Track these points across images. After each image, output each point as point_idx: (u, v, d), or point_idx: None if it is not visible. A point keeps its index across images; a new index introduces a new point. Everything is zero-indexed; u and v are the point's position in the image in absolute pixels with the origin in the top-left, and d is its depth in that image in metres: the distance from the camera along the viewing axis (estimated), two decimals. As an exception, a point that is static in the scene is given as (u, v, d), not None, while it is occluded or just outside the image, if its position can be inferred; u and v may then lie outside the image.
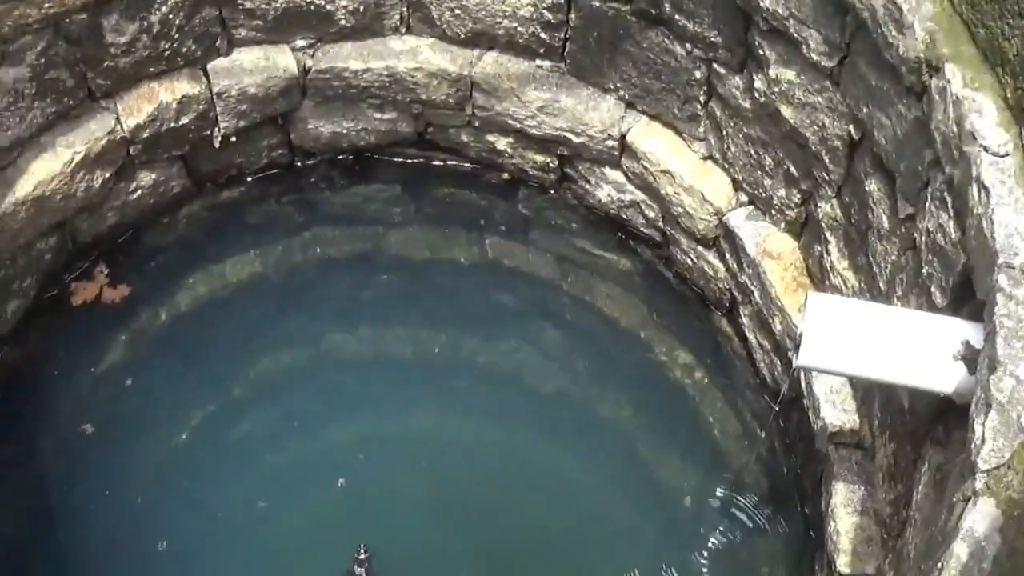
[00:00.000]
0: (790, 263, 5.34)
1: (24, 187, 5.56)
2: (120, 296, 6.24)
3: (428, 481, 5.88)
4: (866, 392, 4.79)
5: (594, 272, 6.66)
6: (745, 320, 5.74)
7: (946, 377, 3.58)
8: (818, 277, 5.17)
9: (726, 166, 5.58)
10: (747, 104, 5.16)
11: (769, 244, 5.39)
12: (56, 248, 6.02)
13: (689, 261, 6.02)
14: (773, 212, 5.36)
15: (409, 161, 6.92)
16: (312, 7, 5.99)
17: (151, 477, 5.77)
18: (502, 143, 6.43)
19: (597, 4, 5.57)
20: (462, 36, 6.11)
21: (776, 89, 4.83)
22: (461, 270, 6.78)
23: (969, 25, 3.75)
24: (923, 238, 3.93)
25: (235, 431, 6.04)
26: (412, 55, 6.23)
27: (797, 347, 3.79)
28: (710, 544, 5.64)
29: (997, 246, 3.30)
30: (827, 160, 4.74)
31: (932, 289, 3.88)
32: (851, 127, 4.49)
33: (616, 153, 6.03)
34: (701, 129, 5.62)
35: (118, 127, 5.87)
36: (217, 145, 6.31)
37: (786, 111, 4.84)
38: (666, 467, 5.95)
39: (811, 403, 5.12)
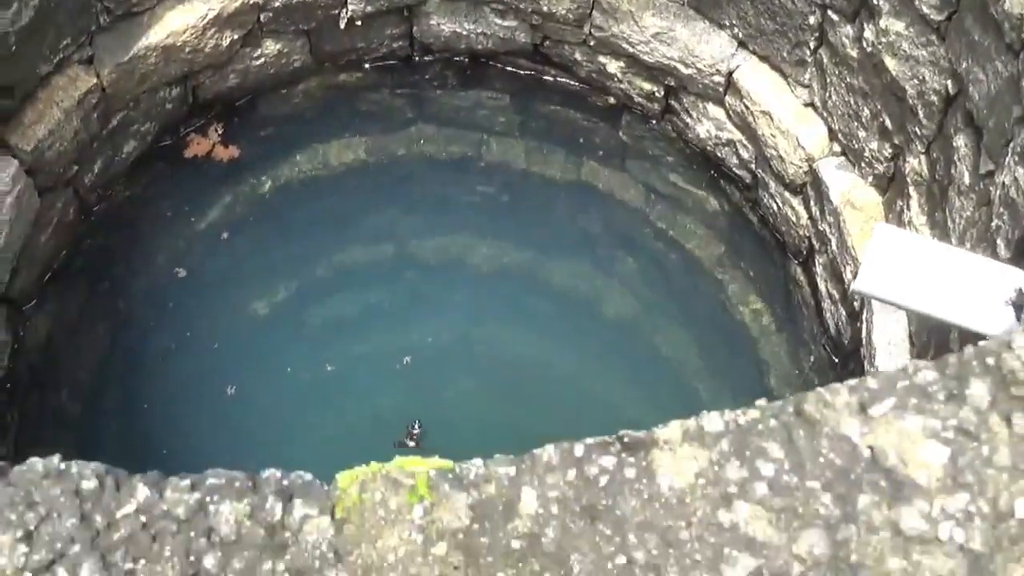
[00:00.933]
0: (871, 216, 5.45)
1: (158, 34, 5.87)
2: (230, 156, 6.55)
3: (485, 377, 6.16)
4: (922, 347, 4.91)
5: (681, 207, 6.80)
6: (819, 269, 5.87)
7: (994, 321, 3.70)
8: (895, 232, 5.28)
9: (825, 115, 5.70)
10: (854, 53, 5.27)
11: (854, 195, 5.50)
12: (178, 99, 6.33)
13: (775, 206, 6.15)
14: (863, 165, 5.48)
15: (521, 72, 7.11)
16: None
17: (231, 327, 6.10)
18: (613, 66, 6.60)
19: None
20: (590, -46, 6.28)
21: (884, 40, 4.94)
22: (553, 187, 6.96)
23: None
24: (998, 192, 4.05)
25: (314, 301, 6.34)
26: (540, -34, 6.41)
27: (857, 272, 3.95)
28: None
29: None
30: (921, 115, 4.85)
31: (998, 241, 4.00)
32: (949, 82, 4.60)
33: (721, 90, 6.18)
34: (807, 75, 5.74)
35: (253, -8, 6.13)
36: (343, 26, 6.54)
37: (890, 62, 4.95)
38: (717, 404, 6.07)
39: (868, 352, 5.24)
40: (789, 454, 1.98)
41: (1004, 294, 3.70)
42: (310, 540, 1.88)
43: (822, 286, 5.87)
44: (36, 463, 1.93)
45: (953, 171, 4.57)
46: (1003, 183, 4.01)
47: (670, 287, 6.57)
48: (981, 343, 2.14)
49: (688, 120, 6.54)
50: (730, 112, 6.22)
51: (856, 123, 5.44)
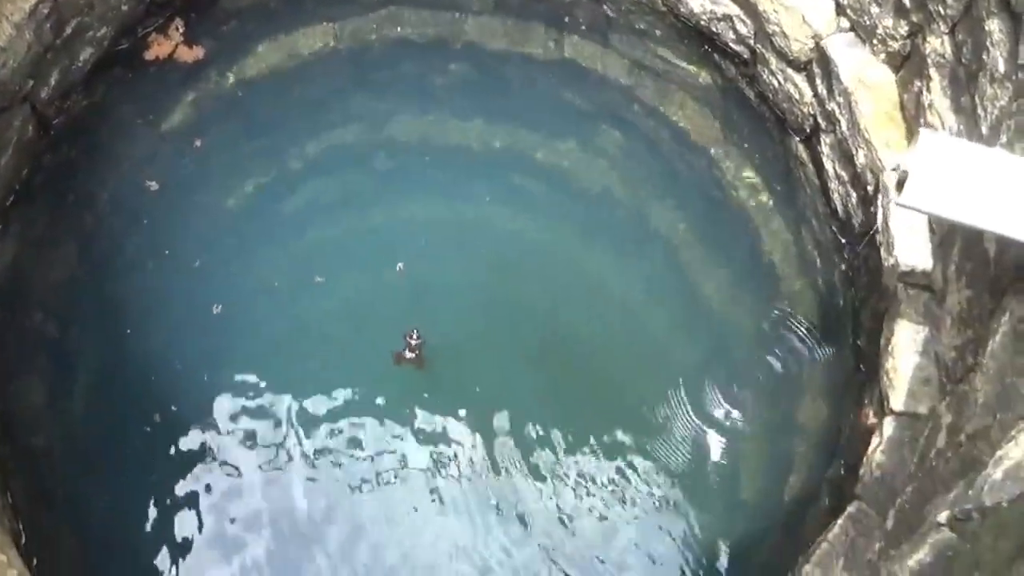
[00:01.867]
0: (884, 96, 5.21)
1: (105, -71, 5.40)
2: (194, 57, 6.17)
3: (479, 272, 5.96)
4: (945, 235, 4.73)
5: (671, 82, 6.52)
6: (825, 148, 5.64)
7: (1052, 231, 3.51)
8: (912, 113, 5.05)
9: (832, -11, 5.40)
10: (867, -77, 4.95)
11: (865, 74, 5.25)
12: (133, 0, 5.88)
13: (775, 83, 5.87)
14: (875, 42, 5.20)
15: (495, -53, 6.70)
16: None
17: (212, 242, 5.81)
18: (600, -63, 6.20)
19: None
20: None
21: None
22: (535, 65, 6.65)
23: None
24: (1043, 86, 3.81)
25: (296, 205, 6.07)
26: None
27: (900, 184, 3.72)
28: (753, 363, 5.68)
29: None
30: (947, -8, 4.57)
31: (1044, 140, 3.78)
32: (982, -40, 4.31)
33: (714, -38, 5.83)
34: (811, -55, 5.41)
35: None
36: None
37: (911, -66, 4.64)
38: (715, 283, 5.98)
39: (885, 239, 5.06)
40: None
41: (1062, 202, 3.50)
42: None
43: (829, 166, 5.65)
44: None
45: (985, 57, 4.31)
46: (1049, 76, 3.76)
47: (660, 163, 6.35)
48: None
49: (679, -7, 6.18)
50: (726, -15, 5.88)
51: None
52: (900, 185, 3.71)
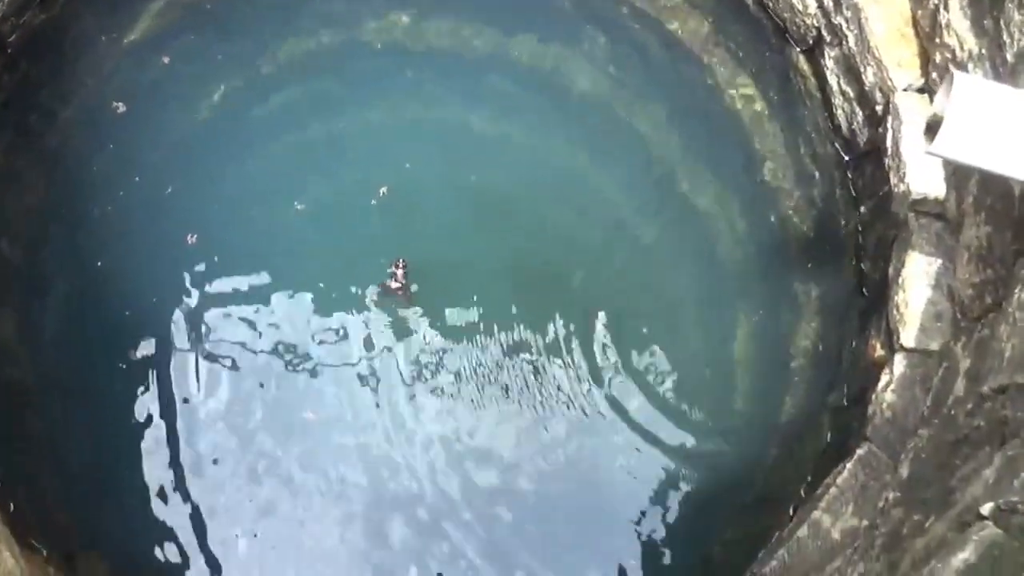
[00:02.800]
0: (896, 11, 4.93)
1: None
2: (158, -37, 5.75)
3: (464, 186, 5.73)
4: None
5: (656, -17, 6.19)
6: (829, 63, 5.37)
7: (1094, 183, 3.29)
8: (926, 32, 4.78)
9: None
10: None
11: (876, -14, 4.95)
12: (89, -97, 5.48)
13: (776, -11, 5.56)
14: (887, -47, 4.90)
15: None
16: None
17: (184, 167, 5.53)
18: None
19: None
20: None
21: None
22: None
23: None
24: (1084, 20, 3.54)
25: (272, 121, 5.80)
26: None
27: (930, 129, 3.48)
28: (746, 278, 5.51)
29: None
30: (971, -95, 4.26)
31: (1082, 78, 3.52)
32: None
33: None
34: None
35: None
36: None
37: None
38: (707, 193, 5.79)
39: (895, 163, 4.84)
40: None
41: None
42: None
43: (832, 81, 5.39)
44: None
45: (1012, -21, 4.02)
46: (1092, 11, 3.49)
47: (647, 68, 6.08)
48: None
49: None
50: None
51: (881, -95, 4.81)
52: (930, 130, 3.47)
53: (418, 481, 5.05)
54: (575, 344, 5.33)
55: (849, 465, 4.41)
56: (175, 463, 5.03)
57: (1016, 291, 3.73)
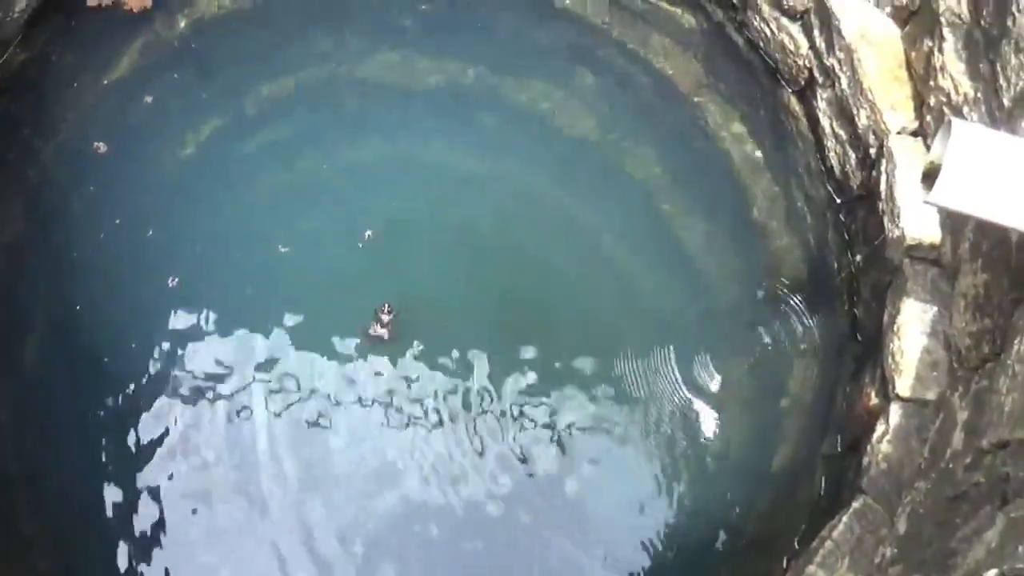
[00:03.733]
0: (889, 53, 4.86)
1: None
2: (141, 6, 5.67)
3: (452, 226, 5.64)
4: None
5: (652, 23, 6.14)
6: (821, 104, 5.29)
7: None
8: (920, 75, 4.70)
9: (833, -66, 4.99)
10: None
11: (869, 28, 4.90)
12: (69, -57, 5.41)
13: (767, 31, 5.49)
14: (880, -7, 4.83)
15: None
16: None
17: (165, 208, 5.43)
18: None
19: None
20: None
21: None
22: (509, 4, 6.23)
23: None
24: (1084, 66, 3.46)
25: (255, 163, 5.71)
26: None
27: (927, 178, 3.39)
28: (738, 322, 5.42)
29: None
30: (965, -52, 4.19)
31: (1082, 126, 3.44)
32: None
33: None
34: None
35: None
36: None
37: None
38: (698, 236, 5.68)
39: (889, 207, 4.76)
40: None
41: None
42: None
43: (825, 123, 5.31)
44: None
45: (1010, 23, 3.95)
46: (1092, 57, 3.41)
47: (638, 108, 6.00)
48: None
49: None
50: (716, -73, 5.45)
51: (873, -54, 4.75)
52: (927, 178, 3.38)
53: (403, 529, 4.93)
54: (563, 387, 5.21)
55: (845, 518, 4.30)
56: (153, 510, 4.88)
57: (1016, 342, 3.64)
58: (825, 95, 5.24)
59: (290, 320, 5.23)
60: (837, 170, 5.27)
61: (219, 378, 5.11)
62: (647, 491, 5.10)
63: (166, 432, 5.01)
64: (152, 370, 5.12)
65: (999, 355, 3.78)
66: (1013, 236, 3.83)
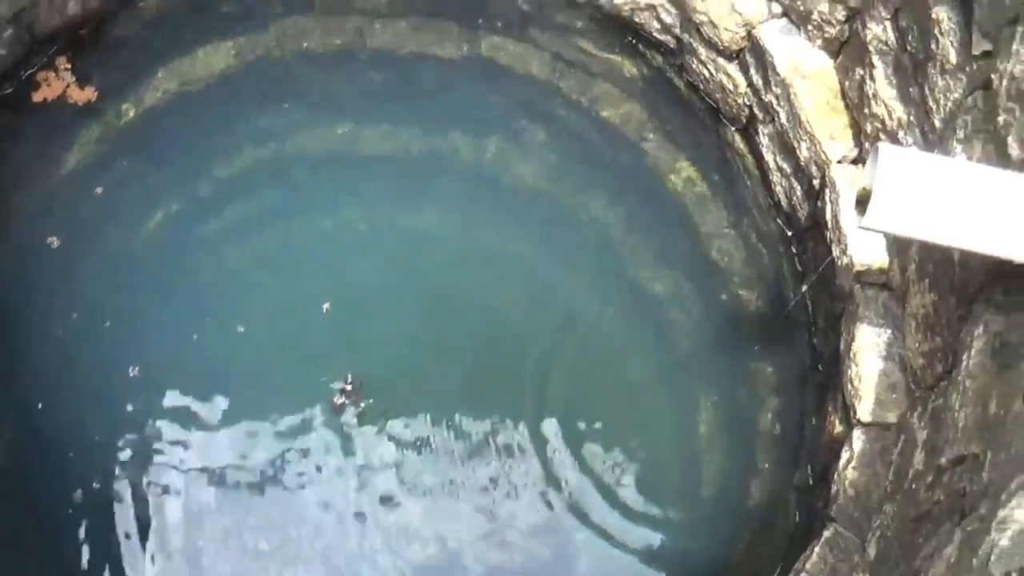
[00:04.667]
0: (824, 84, 4.94)
1: (-26, -30, 4.95)
2: (86, 99, 5.71)
3: (412, 291, 5.61)
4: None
5: (595, 75, 6.18)
6: (764, 140, 5.36)
7: (1026, 244, 3.24)
8: (855, 103, 4.78)
9: (761, -27, 5.08)
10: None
11: (802, 62, 4.97)
12: (13, 41, 5.44)
13: (706, 73, 5.56)
14: (810, 27, 4.92)
15: (398, -53, 6.29)
16: None
17: (121, 299, 5.39)
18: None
19: None
20: None
21: None
22: (451, 67, 6.26)
23: None
24: (1003, 82, 3.53)
25: (209, 245, 5.65)
26: None
27: (860, 204, 3.43)
28: (702, 360, 5.43)
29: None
30: (885, -23, 4.28)
31: (1009, 140, 3.51)
32: (922, -56, 4.02)
33: (639, -47, 5.48)
34: (734, -68, 5.09)
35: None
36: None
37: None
38: (656, 279, 5.69)
39: (836, 236, 4.82)
40: None
41: (1036, 211, 3.22)
42: None
43: (769, 158, 5.38)
44: None
45: (933, 46, 4.03)
46: (1011, 73, 3.49)
47: (589, 158, 6.02)
48: None
49: (598, -17, 5.81)
50: (647, -27, 5.53)
51: (800, -18, 4.84)
52: (860, 204, 3.42)
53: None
54: (531, 446, 5.21)
55: (817, 548, 4.30)
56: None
57: (964, 358, 3.67)
58: (767, 131, 5.31)
59: (254, 399, 5.20)
60: (784, 203, 5.33)
61: (187, 463, 5.07)
62: (622, 545, 5.09)
63: (138, 522, 4.95)
64: (121, 460, 5.07)
65: (951, 372, 3.82)
66: (955, 254, 3.88)
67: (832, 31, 4.78)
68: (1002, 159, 3.53)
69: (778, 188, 5.34)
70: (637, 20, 5.75)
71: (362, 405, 5.15)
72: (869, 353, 4.50)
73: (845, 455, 4.45)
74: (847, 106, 4.87)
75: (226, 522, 4.96)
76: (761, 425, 5.31)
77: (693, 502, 5.22)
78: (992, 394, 3.39)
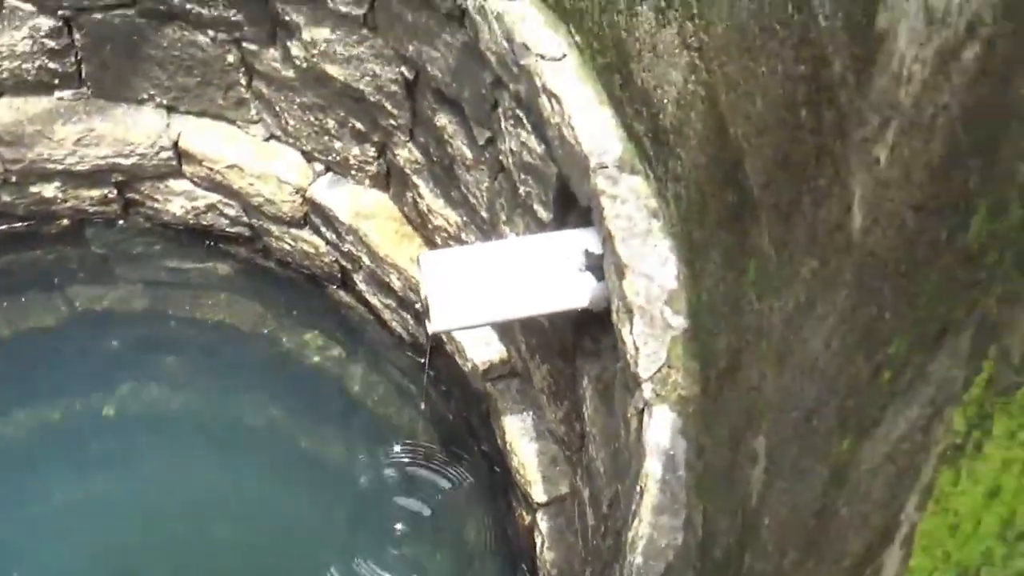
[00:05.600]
0: (387, 217, 5.17)
1: None
2: None
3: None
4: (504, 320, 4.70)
5: (193, 287, 6.22)
6: (362, 286, 5.53)
7: (579, 291, 3.50)
8: (418, 223, 5.02)
9: (291, 141, 5.29)
10: (291, 74, 4.88)
11: (361, 205, 5.18)
12: None
13: (286, 246, 5.71)
14: (354, 172, 5.15)
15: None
16: None
17: None
18: (49, 190, 5.79)
19: (99, 16, 5.06)
20: (-41, 89, 5.44)
21: (316, 51, 4.58)
22: (49, 334, 6.14)
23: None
24: (509, 159, 3.82)
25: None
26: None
27: (426, 311, 3.61)
28: (402, 512, 5.47)
29: (585, 149, 3.22)
30: (389, 106, 4.56)
31: (535, 207, 3.79)
32: (403, 68, 4.32)
33: (175, 163, 5.58)
34: (253, 112, 5.29)
35: None
36: None
37: (332, 70, 4.60)
38: (334, 453, 5.72)
39: (454, 347, 4.99)
40: None
41: (574, 263, 3.49)
42: None
43: (374, 301, 5.55)
44: None
45: (450, 149, 4.32)
46: (510, 149, 3.79)
47: (222, 368, 6.01)
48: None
49: (156, 205, 5.88)
50: (194, 179, 5.64)
51: (327, 137, 5.08)
52: (426, 312, 3.60)
53: None
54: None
55: (545, 641, 4.38)
56: None
57: (584, 410, 3.88)
58: (360, 277, 5.48)
59: None
60: (404, 335, 5.49)
61: None
62: None
63: None
64: None
65: (586, 430, 4.02)
66: (544, 321, 4.11)
67: (372, 168, 5.03)
68: (538, 224, 3.80)
69: (394, 324, 5.51)
70: (205, 223, 5.84)
71: None
72: (522, 439, 4.66)
73: (538, 540, 4.57)
74: (414, 227, 5.10)
75: None
76: (471, 543, 5.37)
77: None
78: (609, 432, 3.59)
